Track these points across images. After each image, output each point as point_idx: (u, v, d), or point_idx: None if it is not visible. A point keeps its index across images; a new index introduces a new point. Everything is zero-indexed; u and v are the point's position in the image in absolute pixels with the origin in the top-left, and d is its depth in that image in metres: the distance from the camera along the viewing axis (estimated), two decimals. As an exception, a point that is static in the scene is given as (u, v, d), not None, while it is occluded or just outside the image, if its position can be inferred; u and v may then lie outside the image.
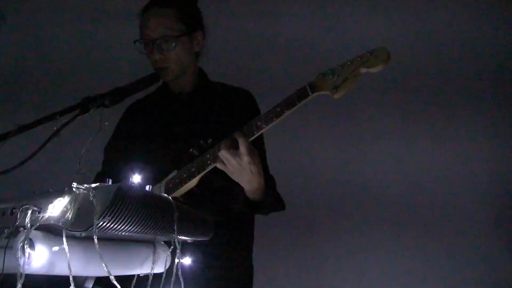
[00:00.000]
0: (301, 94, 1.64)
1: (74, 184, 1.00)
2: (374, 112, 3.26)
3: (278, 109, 1.66)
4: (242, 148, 1.68)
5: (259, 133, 1.70)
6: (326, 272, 3.14)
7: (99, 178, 2.05)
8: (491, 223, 3.06)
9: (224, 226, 1.91)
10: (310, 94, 1.62)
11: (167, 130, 2.05)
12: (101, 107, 1.59)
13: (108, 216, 0.94)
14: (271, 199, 1.87)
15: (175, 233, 1.10)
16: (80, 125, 1.51)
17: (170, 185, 1.85)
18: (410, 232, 3.10)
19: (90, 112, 1.54)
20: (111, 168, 2.09)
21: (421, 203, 3.13)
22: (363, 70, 1.57)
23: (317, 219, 3.20)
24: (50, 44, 3.61)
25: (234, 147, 1.70)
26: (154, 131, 2.07)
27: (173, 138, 2.01)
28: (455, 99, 3.21)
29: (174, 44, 1.95)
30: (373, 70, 1.56)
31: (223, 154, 1.70)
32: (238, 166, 1.69)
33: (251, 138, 1.71)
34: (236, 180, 1.76)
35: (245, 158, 1.68)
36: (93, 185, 0.99)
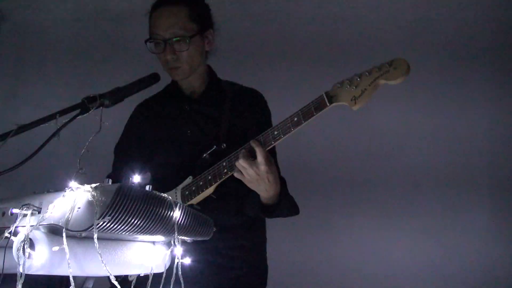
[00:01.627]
0: (319, 104, 1.61)
1: (74, 184, 1.00)
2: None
3: (296, 119, 1.64)
4: (260, 158, 1.67)
5: (276, 143, 1.69)
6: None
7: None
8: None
9: (238, 228, 1.92)
10: (328, 104, 1.60)
11: (180, 131, 2.01)
12: (101, 107, 1.59)
13: (108, 216, 0.94)
14: (286, 205, 1.86)
15: (175, 232, 1.10)
16: (80, 125, 1.51)
17: (187, 192, 1.84)
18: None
19: (90, 112, 1.54)
20: (122, 170, 2.03)
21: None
22: (382, 81, 1.54)
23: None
24: (50, 44, 3.60)
25: (251, 156, 1.70)
26: (166, 133, 2.03)
27: (186, 140, 1.98)
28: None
29: (187, 44, 1.89)
30: (392, 82, 1.53)
31: (241, 163, 1.69)
32: (256, 176, 1.69)
33: (268, 148, 1.70)
34: (253, 188, 1.76)
35: (263, 168, 1.68)
36: (93, 185, 0.99)
